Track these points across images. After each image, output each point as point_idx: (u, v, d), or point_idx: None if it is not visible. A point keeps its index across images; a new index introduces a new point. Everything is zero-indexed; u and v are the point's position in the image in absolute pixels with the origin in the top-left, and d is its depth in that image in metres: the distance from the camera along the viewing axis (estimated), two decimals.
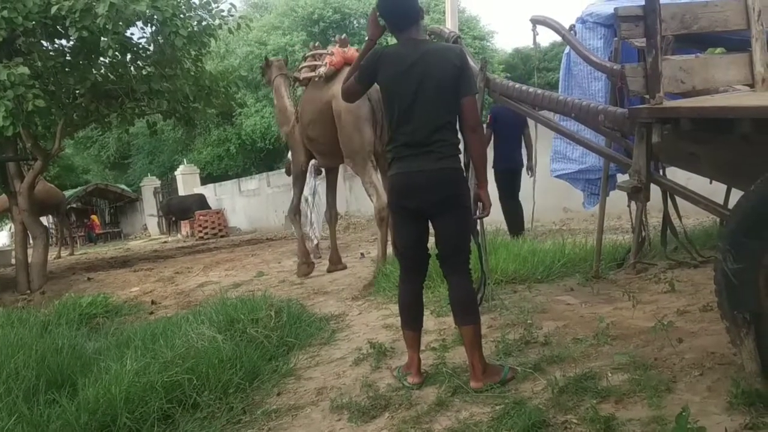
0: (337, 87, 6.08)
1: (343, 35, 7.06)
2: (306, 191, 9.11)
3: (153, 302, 7.41)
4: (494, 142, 7.77)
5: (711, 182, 3.89)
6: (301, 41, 20.79)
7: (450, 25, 11.08)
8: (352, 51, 6.56)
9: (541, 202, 8.48)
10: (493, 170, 7.86)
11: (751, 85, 3.33)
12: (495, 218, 7.08)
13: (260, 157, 24.64)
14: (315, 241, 9.40)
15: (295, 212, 7.86)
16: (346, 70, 6.11)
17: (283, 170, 19.32)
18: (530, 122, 7.17)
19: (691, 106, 2.87)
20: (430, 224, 3.28)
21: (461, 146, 3.31)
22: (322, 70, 6.54)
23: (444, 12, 12.48)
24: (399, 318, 3.47)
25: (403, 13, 3.21)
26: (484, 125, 7.81)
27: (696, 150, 3.00)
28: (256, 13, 25.83)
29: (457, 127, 3.20)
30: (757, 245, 2.42)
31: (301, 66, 7.20)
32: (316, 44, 7.40)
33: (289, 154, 9.45)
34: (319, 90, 6.65)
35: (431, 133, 3.07)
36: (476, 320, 3.19)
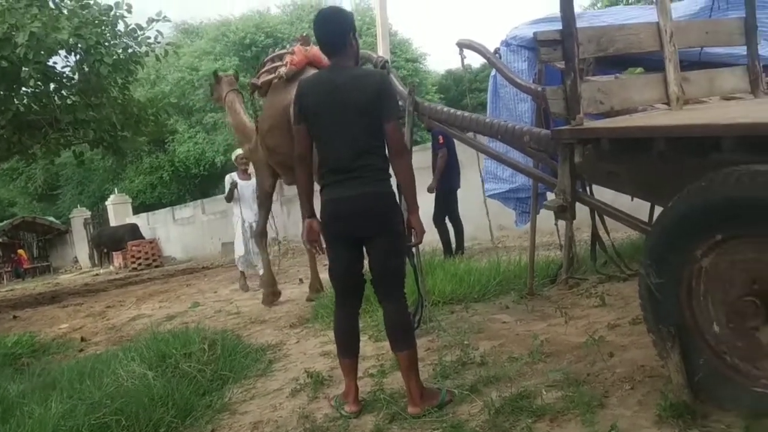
0: None
1: (305, 33, 6.70)
2: (251, 218, 8.85)
3: (83, 339, 7.11)
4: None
5: (633, 199, 4.00)
6: (234, 66, 20.61)
7: (381, 48, 11.16)
8: (315, 50, 6.03)
9: (476, 221, 8.58)
10: (437, 188, 7.97)
11: (668, 104, 3.46)
12: (433, 238, 7.15)
13: (195, 183, 24.23)
14: (261, 271, 9.05)
15: (262, 236, 7.42)
16: (309, 70, 5.95)
17: (220, 196, 19.14)
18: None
19: (609, 126, 2.96)
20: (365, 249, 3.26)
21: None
22: (282, 70, 6.06)
23: (376, 35, 12.60)
24: None
25: (328, 40, 3.22)
26: (438, 146, 7.92)
27: (616, 169, 3.08)
28: (186, 39, 25.50)
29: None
30: (677, 260, 2.49)
31: (259, 72, 6.64)
32: (275, 50, 7.05)
33: (226, 179, 9.14)
34: (280, 93, 6.08)
35: (355, 158, 3.06)
36: (412, 346, 3.17)
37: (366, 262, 3.28)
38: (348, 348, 3.30)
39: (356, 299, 3.35)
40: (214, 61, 21.50)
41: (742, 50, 3.84)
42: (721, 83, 3.68)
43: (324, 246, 3.28)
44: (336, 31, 3.22)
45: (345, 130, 3.06)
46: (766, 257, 2.31)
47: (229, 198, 8.89)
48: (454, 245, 8.11)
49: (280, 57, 6.38)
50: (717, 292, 2.47)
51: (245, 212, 8.83)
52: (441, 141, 7.85)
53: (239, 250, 8.98)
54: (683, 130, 2.52)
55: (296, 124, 3.24)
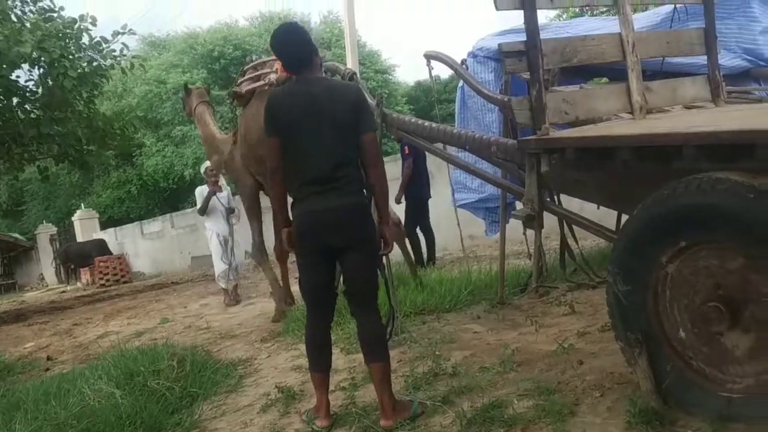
0: None
1: None
2: (224, 231, 8.65)
3: (49, 358, 6.95)
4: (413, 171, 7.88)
5: (599, 208, 4.05)
6: (202, 79, 20.47)
7: (350, 60, 11.21)
8: None
9: (447, 231, 8.60)
10: (408, 198, 7.98)
11: (631, 113, 3.51)
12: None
13: (163, 197, 23.95)
14: (233, 284, 8.90)
15: (262, 252, 6.90)
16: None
17: (190, 210, 18.92)
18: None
19: (574, 136, 2.99)
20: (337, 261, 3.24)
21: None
22: (272, 76, 5.83)
23: (345, 47, 12.62)
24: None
25: (296, 56, 3.21)
26: (405, 156, 7.92)
27: (582, 177, 3.12)
28: (153, 52, 25.24)
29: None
30: (643, 267, 2.52)
31: (240, 80, 6.39)
32: (253, 57, 6.80)
33: (197, 192, 8.97)
34: None
35: (334, 169, 3.05)
36: (385, 358, 3.16)
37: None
38: (320, 361, 3.28)
39: (328, 312, 3.33)
40: (182, 74, 21.34)
41: (702, 60, 3.93)
42: (683, 92, 3.76)
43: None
44: (302, 45, 3.21)
45: (323, 141, 3.05)
46: (729, 263, 2.35)
47: (203, 210, 8.65)
48: (425, 255, 8.12)
49: (263, 64, 6.18)
50: (682, 298, 2.51)
51: (218, 225, 8.67)
52: (407, 151, 7.87)
53: (218, 266, 8.69)
54: (645, 139, 2.57)
55: (268, 137, 3.18)
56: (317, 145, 3.06)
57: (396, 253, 5.34)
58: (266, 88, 5.88)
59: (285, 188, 3.23)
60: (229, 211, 8.68)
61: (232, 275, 8.79)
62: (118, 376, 4.30)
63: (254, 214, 6.86)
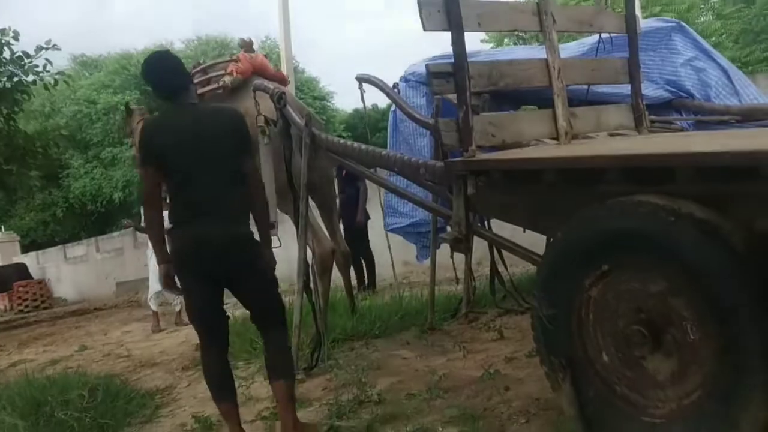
0: (248, 102, 4.87)
1: (249, 37, 6.10)
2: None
3: None
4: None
5: (525, 231, 4.04)
6: (134, 100, 19.94)
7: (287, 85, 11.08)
8: (261, 58, 5.64)
9: (378, 257, 8.55)
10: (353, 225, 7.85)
11: (557, 138, 3.53)
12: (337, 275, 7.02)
13: (91, 221, 23.10)
14: (178, 307, 8.35)
15: None
16: (255, 79, 5.19)
17: (117, 234, 18.28)
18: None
19: (499, 158, 2.98)
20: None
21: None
22: (227, 78, 5.39)
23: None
24: None
25: (172, 83, 3.12)
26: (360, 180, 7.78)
27: (508, 200, 3.09)
28: (85, 71, 24.51)
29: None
30: (566, 291, 2.50)
31: None
32: (202, 61, 6.49)
33: (143, 210, 8.49)
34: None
35: (212, 195, 2.98)
36: (289, 376, 3.09)
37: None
38: (224, 391, 3.11)
39: (223, 338, 3.18)
40: (113, 95, 20.78)
41: (626, 90, 4.01)
42: (607, 119, 3.81)
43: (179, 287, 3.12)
44: (175, 72, 3.15)
45: (203, 166, 2.97)
46: (651, 286, 2.34)
47: (142, 228, 8.30)
48: (355, 281, 8.00)
49: (212, 67, 5.80)
50: (605, 322, 2.48)
51: None
52: None
53: (153, 287, 8.23)
54: (569, 162, 2.56)
55: (143, 167, 3.09)
56: (198, 170, 2.98)
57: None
58: (220, 91, 5.52)
59: (161, 219, 3.13)
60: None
61: (170, 297, 8.43)
62: (23, 407, 4.06)
63: None
